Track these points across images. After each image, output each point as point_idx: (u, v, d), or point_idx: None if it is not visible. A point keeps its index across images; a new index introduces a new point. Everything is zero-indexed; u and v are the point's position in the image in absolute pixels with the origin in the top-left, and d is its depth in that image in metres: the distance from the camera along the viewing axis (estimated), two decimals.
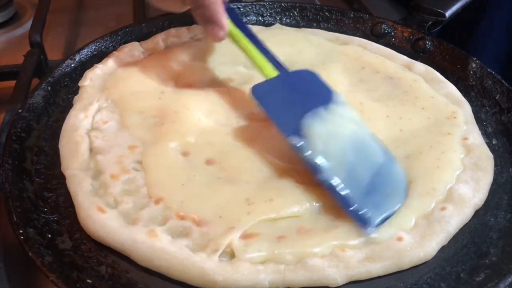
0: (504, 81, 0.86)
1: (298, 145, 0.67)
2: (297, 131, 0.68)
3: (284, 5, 1.05)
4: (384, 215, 0.64)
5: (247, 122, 0.78)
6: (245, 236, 0.62)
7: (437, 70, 0.89)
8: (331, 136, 0.68)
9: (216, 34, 0.77)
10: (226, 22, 0.77)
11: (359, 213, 0.63)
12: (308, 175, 0.67)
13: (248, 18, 1.04)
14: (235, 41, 0.81)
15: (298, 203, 0.66)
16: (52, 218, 0.66)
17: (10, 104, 0.81)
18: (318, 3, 1.18)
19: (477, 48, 1.28)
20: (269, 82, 0.76)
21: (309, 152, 0.66)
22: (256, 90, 0.75)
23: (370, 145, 0.69)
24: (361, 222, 0.63)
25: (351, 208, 0.64)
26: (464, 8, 1.02)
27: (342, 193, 0.64)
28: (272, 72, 0.77)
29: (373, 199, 0.65)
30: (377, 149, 0.69)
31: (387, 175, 0.67)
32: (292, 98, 0.73)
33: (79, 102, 0.80)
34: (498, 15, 1.24)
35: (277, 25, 1.01)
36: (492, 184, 0.72)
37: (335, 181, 0.65)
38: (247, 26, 0.83)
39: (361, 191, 0.65)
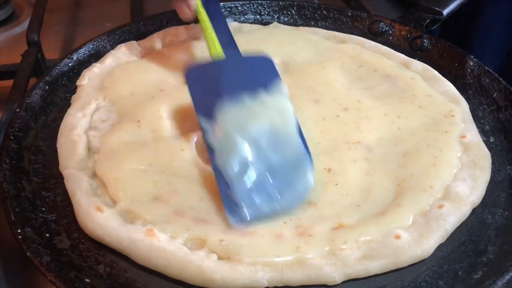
0: (501, 79, 0.85)
1: (202, 125, 0.67)
2: (210, 113, 0.67)
3: (282, 3, 1.05)
4: (259, 216, 0.62)
5: None
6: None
7: (435, 68, 0.89)
8: (240, 123, 0.66)
9: (182, 12, 0.80)
10: (194, 2, 0.79)
11: (231, 206, 0.62)
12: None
13: (246, 16, 1.04)
14: (200, 21, 0.80)
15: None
16: (50, 218, 0.66)
17: (7, 104, 0.81)
18: (316, 2, 1.17)
19: (477, 45, 1.28)
20: (205, 65, 0.75)
21: (208, 134, 0.66)
22: (190, 71, 0.73)
23: (285, 142, 0.66)
24: (229, 213, 0.62)
25: (224, 197, 0.63)
26: (463, 5, 1.02)
27: (222, 181, 0.63)
28: (218, 55, 0.76)
29: (257, 196, 0.63)
30: (292, 148, 0.66)
31: (283, 178, 0.64)
32: (222, 83, 0.71)
33: (77, 101, 0.80)
34: (498, 11, 1.24)
35: (275, 23, 1.01)
36: (490, 182, 0.72)
37: (223, 167, 0.64)
38: (219, 11, 0.83)
39: (250, 184, 0.63)
